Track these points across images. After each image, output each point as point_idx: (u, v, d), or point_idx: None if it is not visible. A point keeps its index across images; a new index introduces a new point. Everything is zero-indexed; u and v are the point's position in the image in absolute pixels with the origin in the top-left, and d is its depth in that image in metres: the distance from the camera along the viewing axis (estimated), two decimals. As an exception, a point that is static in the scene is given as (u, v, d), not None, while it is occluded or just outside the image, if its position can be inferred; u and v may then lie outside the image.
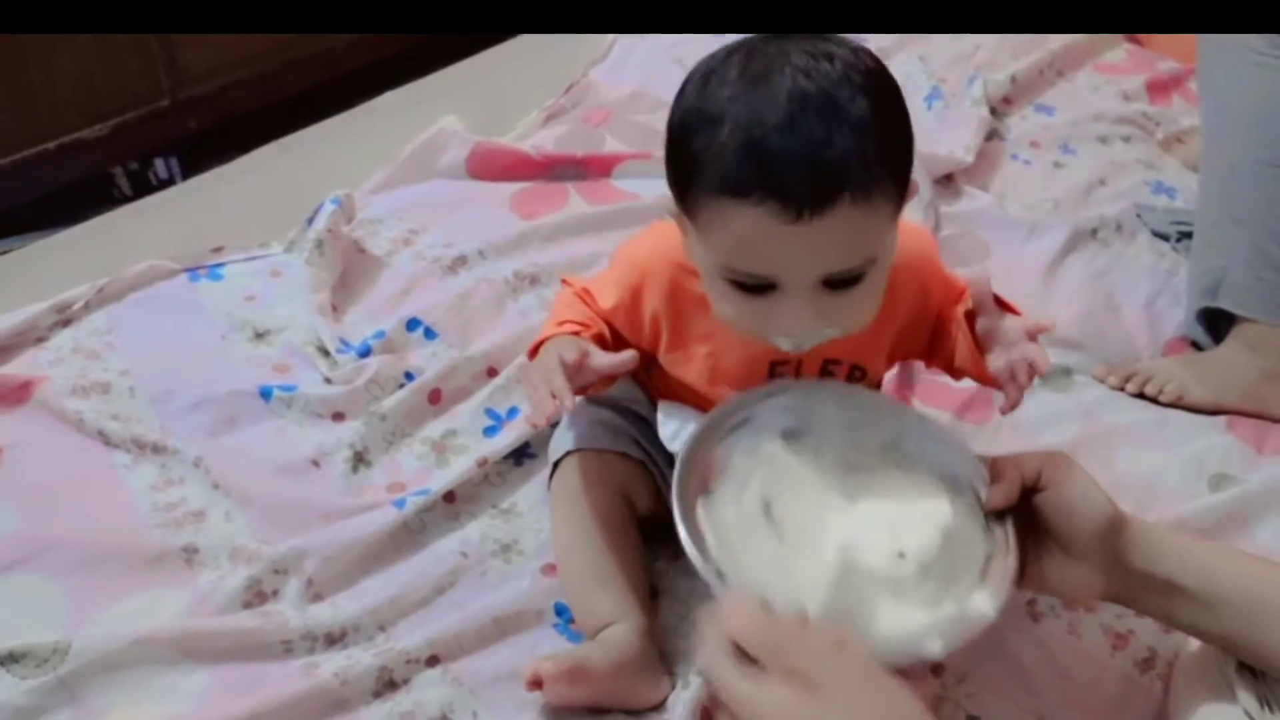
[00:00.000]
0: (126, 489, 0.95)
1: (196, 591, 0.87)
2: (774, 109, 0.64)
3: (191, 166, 1.76)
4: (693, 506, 0.72)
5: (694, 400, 0.86)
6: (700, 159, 0.67)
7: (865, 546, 0.70)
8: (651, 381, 0.91)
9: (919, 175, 1.31)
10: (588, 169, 1.38)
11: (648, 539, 0.91)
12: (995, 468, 0.75)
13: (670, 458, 0.86)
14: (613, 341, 0.86)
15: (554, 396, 0.74)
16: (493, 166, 1.37)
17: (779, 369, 0.82)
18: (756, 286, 0.70)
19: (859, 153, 0.64)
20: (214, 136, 1.78)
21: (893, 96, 0.69)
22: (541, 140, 1.43)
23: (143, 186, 1.84)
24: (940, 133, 1.45)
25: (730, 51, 0.69)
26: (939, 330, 0.85)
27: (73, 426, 0.98)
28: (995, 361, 0.76)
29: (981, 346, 0.77)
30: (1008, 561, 0.71)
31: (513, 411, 1.05)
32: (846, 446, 0.76)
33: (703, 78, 0.69)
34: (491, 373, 1.09)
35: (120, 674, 0.80)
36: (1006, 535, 0.73)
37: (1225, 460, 1.05)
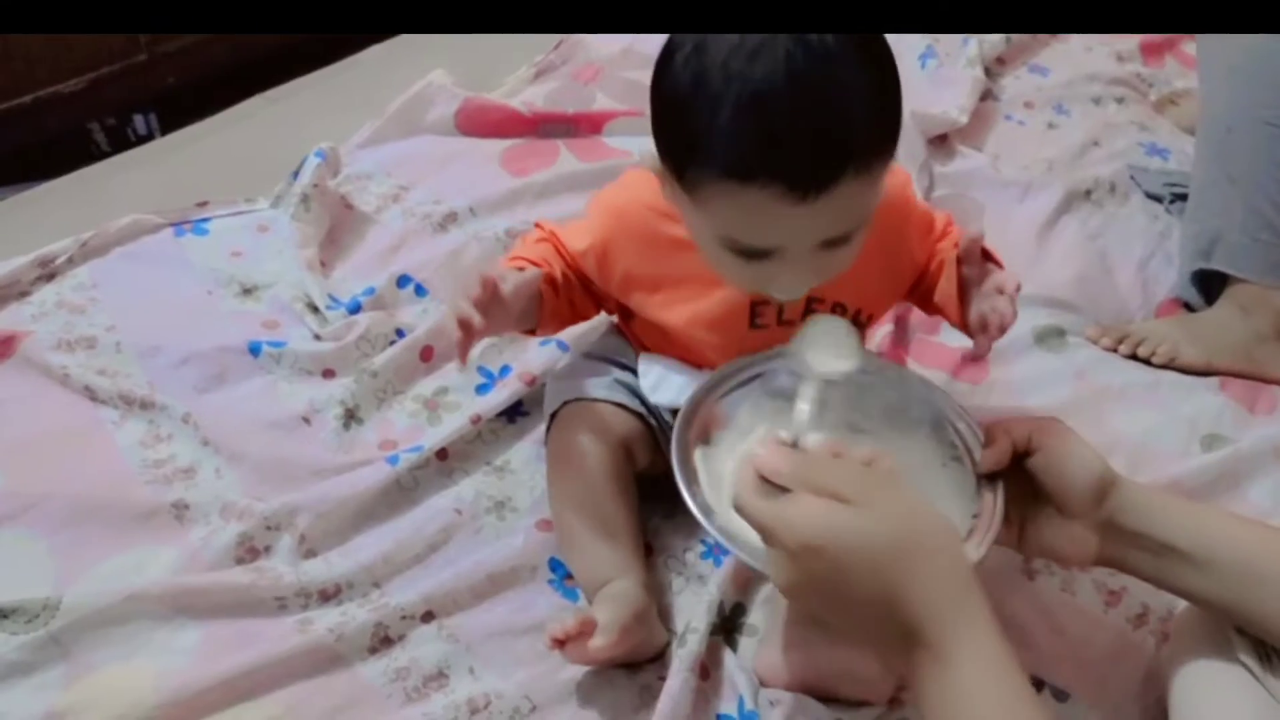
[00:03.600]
0: (114, 445, 0.93)
1: (187, 548, 0.86)
2: (775, 86, 0.63)
3: (170, 122, 1.72)
4: (691, 455, 0.72)
5: (675, 351, 0.86)
6: (700, 139, 0.65)
7: None
8: (632, 332, 0.91)
9: (914, 135, 1.31)
10: (578, 126, 1.36)
11: (641, 496, 0.91)
12: (988, 433, 0.76)
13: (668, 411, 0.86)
14: (579, 285, 0.87)
15: (460, 324, 0.74)
16: (482, 122, 1.34)
17: (759, 308, 0.82)
18: (755, 253, 0.70)
19: (861, 126, 0.64)
20: (192, 92, 1.74)
21: (886, 59, 0.68)
22: (531, 96, 1.41)
23: (121, 142, 1.80)
24: (934, 92, 1.44)
25: None
26: (919, 266, 0.86)
27: (58, 382, 0.97)
28: (971, 310, 0.78)
29: (961, 293, 0.80)
30: (994, 519, 0.72)
31: (505, 369, 1.04)
32: (850, 409, 0.76)
33: (693, 51, 0.66)
34: (484, 330, 1.08)
35: (112, 629, 0.79)
36: (995, 496, 0.73)
37: (1218, 421, 1.05)
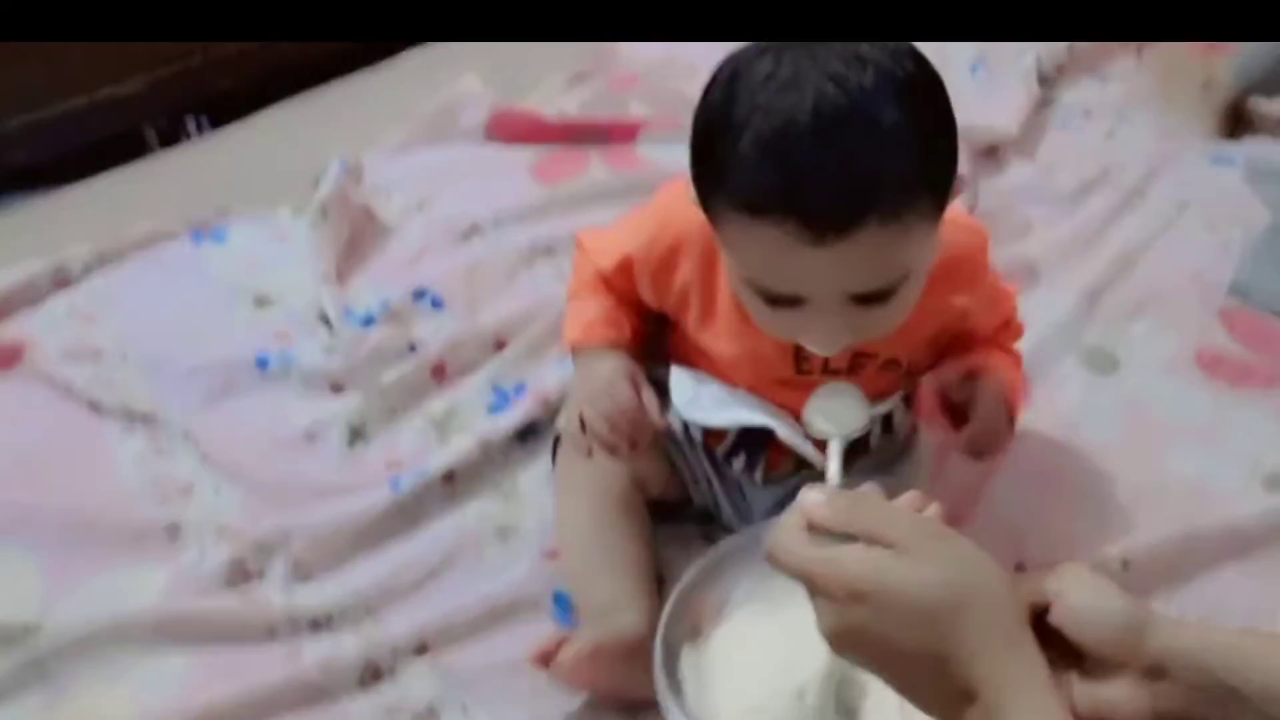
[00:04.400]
0: (114, 460, 0.92)
1: (178, 569, 0.84)
2: (799, 121, 0.58)
3: (222, 125, 1.73)
4: (677, 658, 0.69)
5: (711, 369, 0.82)
6: (721, 169, 0.62)
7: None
8: (671, 341, 0.86)
9: (959, 147, 1.25)
10: (611, 135, 1.32)
11: (655, 523, 0.86)
12: None
13: (685, 426, 0.84)
14: (635, 312, 0.83)
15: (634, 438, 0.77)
16: (512, 130, 1.31)
17: (805, 353, 0.77)
18: (781, 299, 0.65)
19: (889, 170, 0.59)
20: (246, 95, 1.74)
21: (933, 101, 0.63)
22: (565, 104, 1.38)
23: (173, 144, 1.81)
24: (983, 102, 1.37)
25: (762, 50, 0.62)
26: (957, 339, 0.82)
27: (61, 393, 0.96)
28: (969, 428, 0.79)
29: (967, 403, 0.79)
30: None
31: (519, 387, 1.00)
32: None
33: (730, 77, 0.63)
34: (500, 345, 1.05)
35: (95, 655, 0.77)
36: None
37: (1283, 458, 0.97)
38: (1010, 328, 0.85)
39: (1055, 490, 0.94)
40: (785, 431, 0.78)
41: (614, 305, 0.83)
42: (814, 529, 0.56)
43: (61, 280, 1.07)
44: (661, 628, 0.70)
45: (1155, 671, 0.64)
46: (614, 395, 0.79)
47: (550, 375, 0.99)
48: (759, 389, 0.80)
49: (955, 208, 0.77)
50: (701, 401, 0.82)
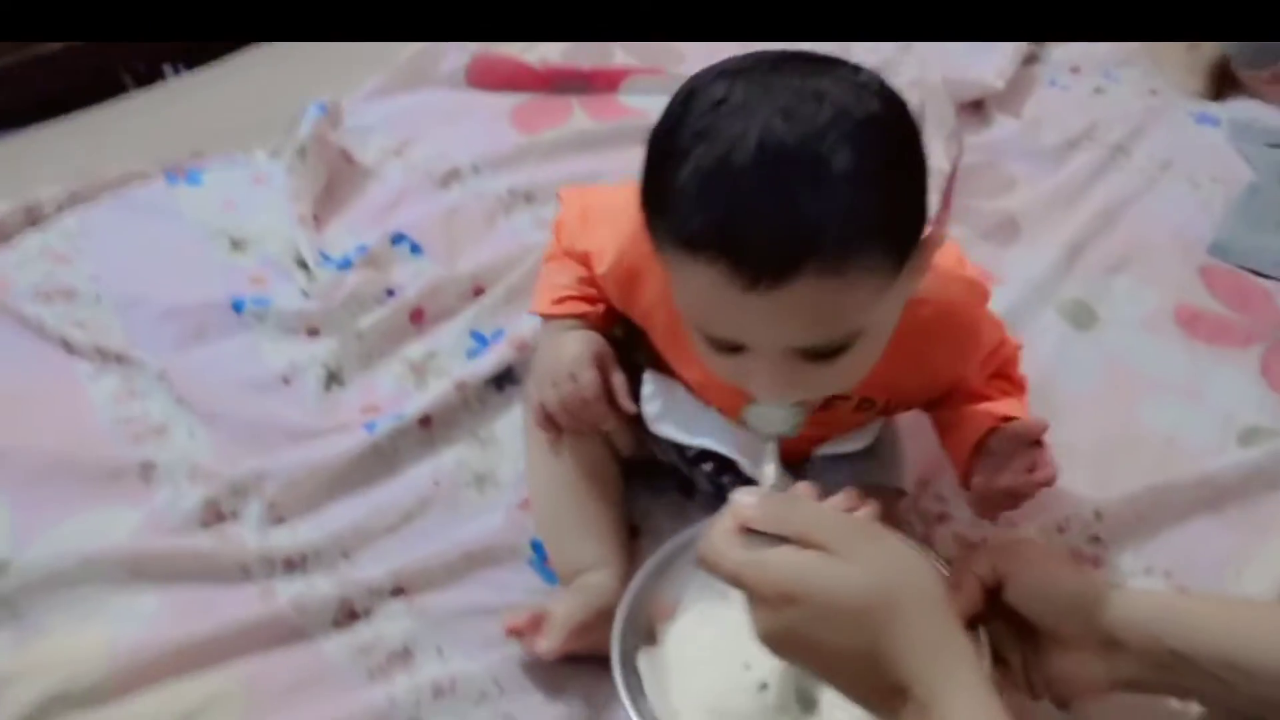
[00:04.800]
0: (87, 400, 0.90)
1: (151, 510, 0.83)
2: (740, 156, 0.53)
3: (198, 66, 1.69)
4: (633, 662, 0.68)
5: (682, 380, 0.80)
6: (662, 198, 0.57)
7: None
8: (644, 340, 0.83)
9: (944, 101, 1.24)
10: (593, 83, 1.30)
11: (629, 475, 0.86)
12: (954, 579, 0.69)
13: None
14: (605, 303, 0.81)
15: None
16: (493, 76, 1.29)
17: None
18: (723, 344, 0.60)
19: (830, 218, 0.53)
20: (226, 42, 1.69)
21: (896, 145, 0.56)
22: (547, 51, 1.35)
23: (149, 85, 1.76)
24: (971, 57, 1.36)
25: (720, 73, 0.57)
26: (954, 392, 0.79)
27: (34, 332, 0.94)
28: (984, 483, 0.75)
29: (974, 456, 0.76)
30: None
31: (498, 333, 1.00)
32: None
33: (685, 96, 0.57)
34: (478, 292, 1.04)
35: (66, 593, 0.76)
36: (981, 645, 0.66)
37: (1258, 412, 0.98)
38: (1009, 377, 0.81)
39: (1031, 442, 0.95)
40: (748, 465, 0.77)
41: (589, 276, 0.79)
42: (746, 531, 0.56)
43: (33, 219, 1.05)
44: (616, 635, 0.68)
45: (1109, 643, 0.65)
46: (577, 380, 0.77)
47: (529, 322, 0.98)
48: (727, 406, 0.77)
49: (957, 257, 0.75)
50: (671, 418, 0.80)
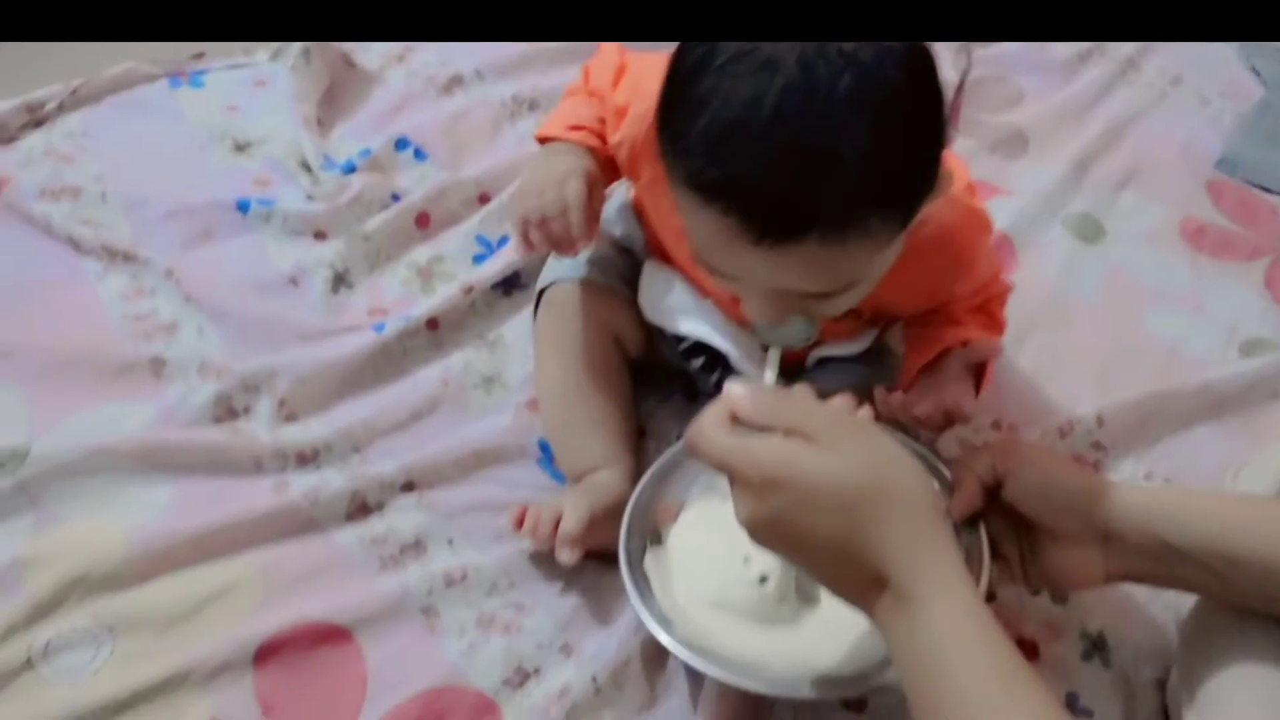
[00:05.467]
0: (96, 297, 0.90)
1: (163, 404, 0.84)
2: (757, 117, 0.53)
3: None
4: (641, 561, 0.70)
5: (681, 269, 0.81)
6: (677, 141, 0.58)
7: None
8: (648, 225, 0.84)
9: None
10: (600, -10, 1.28)
11: (637, 378, 0.87)
12: (954, 476, 0.70)
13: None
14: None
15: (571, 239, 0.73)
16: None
17: None
18: (723, 274, 0.62)
19: (840, 191, 0.54)
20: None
21: (915, 118, 0.57)
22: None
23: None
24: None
25: None
26: (937, 313, 0.79)
27: (41, 231, 0.94)
28: (919, 398, 0.75)
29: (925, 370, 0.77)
30: (982, 566, 0.66)
31: (504, 239, 0.99)
32: None
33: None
34: (484, 199, 1.03)
35: (81, 482, 0.77)
36: (978, 541, 0.68)
37: (1261, 325, 0.99)
38: (990, 313, 0.81)
39: (1034, 350, 0.95)
40: (738, 356, 0.78)
41: (604, 121, 0.78)
42: (736, 421, 0.57)
43: (36, 118, 1.04)
44: (623, 538, 0.70)
45: (1104, 536, 0.66)
46: (562, 190, 0.73)
47: (536, 228, 0.98)
48: (722, 300, 0.78)
49: (967, 185, 0.75)
50: (666, 305, 0.81)
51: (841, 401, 0.60)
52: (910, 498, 0.54)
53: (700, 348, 0.82)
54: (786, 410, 0.56)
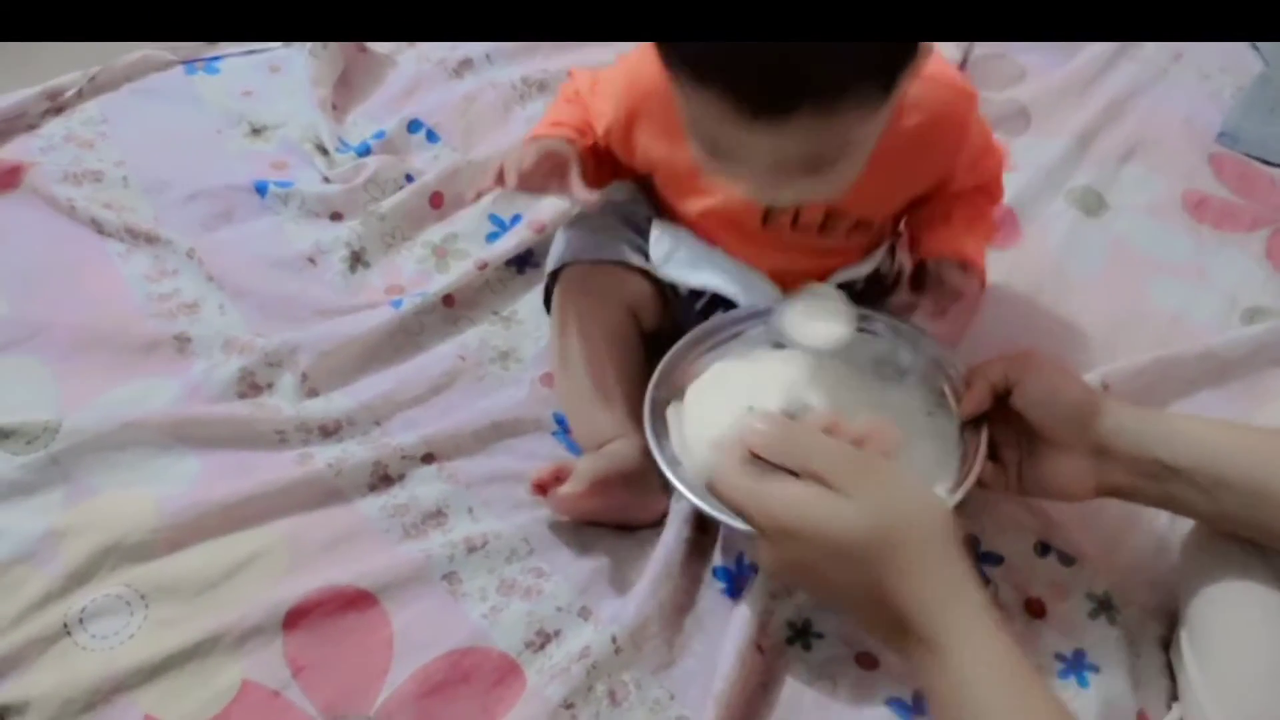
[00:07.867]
0: (120, 277, 0.92)
1: (189, 380, 0.86)
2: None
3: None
4: (663, 411, 0.74)
5: (687, 224, 0.83)
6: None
7: None
8: (655, 193, 0.87)
9: None
10: (606, -27, 1.29)
11: (652, 350, 0.88)
12: (966, 377, 0.74)
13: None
14: (609, 156, 0.83)
15: (501, 175, 0.76)
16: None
17: (773, 210, 0.78)
18: (723, 156, 0.65)
19: (828, 63, 0.57)
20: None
21: None
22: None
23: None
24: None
25: None
26: (938, 192, 0.81)
27: (64, 213, 0.96)
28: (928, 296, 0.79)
29: (927, 274, 0.79)
30: (974, 464, 0.70)
31: (516, 218, 1.01)
32: (837, 361, 0.74)
33: None
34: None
35: (112, 455, 0.79)
36: (978, 440, 0.72)
37: (1262, 293, 1.01)
38: (989, 191, 0.84)
39: (1040, 320, 0.97)
40: (747, 303, 0.80)
41: (589, 122, 0.82)
42: (755, 458, 0.59)
43: (57, 106, 1.06)
44: (650, 389, 0.75)
45: (1100, 450, 0.69)
46: (534, 144, 0.77)
47: (547, 206, 1.00)
48: (731, 246, 0.81)
49: (943, 64, 0.76)
50: (677, 258, 0.83)
51: (860, 429, 0.61)
52: (923, 540, 0.56)
53: (716, 304, 0.84)
54: (802, 449, 0.58)
